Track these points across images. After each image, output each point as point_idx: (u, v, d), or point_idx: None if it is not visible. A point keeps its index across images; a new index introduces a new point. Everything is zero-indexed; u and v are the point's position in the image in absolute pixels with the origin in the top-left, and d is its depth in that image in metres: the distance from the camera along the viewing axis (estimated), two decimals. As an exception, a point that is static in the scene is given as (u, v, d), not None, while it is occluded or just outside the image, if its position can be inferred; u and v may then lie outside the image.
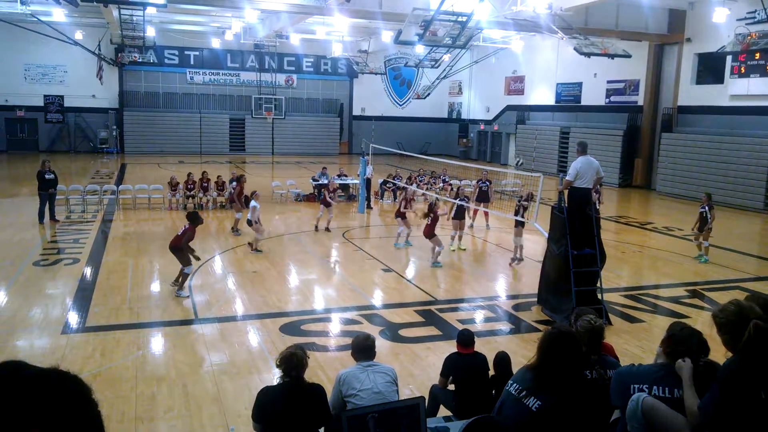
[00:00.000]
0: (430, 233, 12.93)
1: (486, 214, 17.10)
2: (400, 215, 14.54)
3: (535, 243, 14.38)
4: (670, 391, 3.21)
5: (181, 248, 10.51)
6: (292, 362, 4.43)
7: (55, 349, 8.07)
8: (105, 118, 37.54)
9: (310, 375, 4.61)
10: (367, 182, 20.08)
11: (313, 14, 24.23)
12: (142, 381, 7.15)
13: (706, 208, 13.87)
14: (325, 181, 21.98)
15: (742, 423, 2.77)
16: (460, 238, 14.50)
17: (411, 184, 22.26)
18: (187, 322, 9.33)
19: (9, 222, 16.39)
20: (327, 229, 16.17)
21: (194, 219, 10.76)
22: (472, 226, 16.86)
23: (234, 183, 16.93)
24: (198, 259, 10.97)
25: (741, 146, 22.56)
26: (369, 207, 20.18)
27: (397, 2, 22.45)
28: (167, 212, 18.96)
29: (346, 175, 23.01)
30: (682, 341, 3.37)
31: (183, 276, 10.55)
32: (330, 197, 16.21)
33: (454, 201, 14.37)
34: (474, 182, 19.17)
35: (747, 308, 3.04)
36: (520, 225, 12.96)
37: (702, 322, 9.11)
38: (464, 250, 14.56)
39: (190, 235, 10.62)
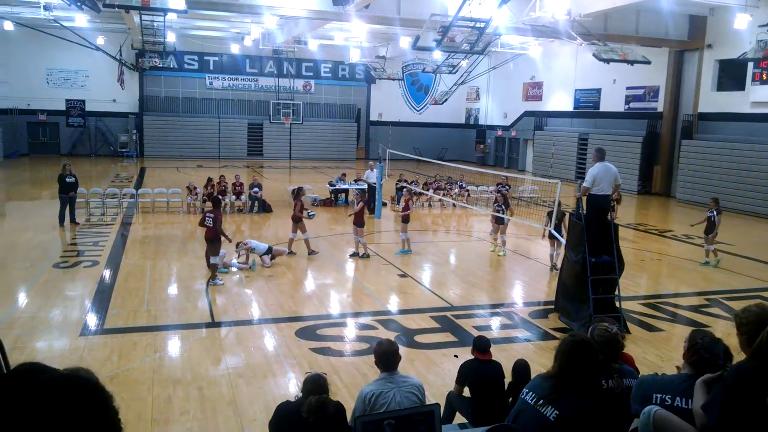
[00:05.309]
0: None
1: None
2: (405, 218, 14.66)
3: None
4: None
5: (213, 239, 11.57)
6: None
7: (73, 351, 8.16)
8: (125, 122, 37.98)
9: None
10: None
11: (331, 20, 24.33)
12: (159, 383, 7.19)
13: (715, 212, 14.03)
14: (343, 186, 22.08)
15: (744, 427, 2.72)
16: (495, 240, 15.08)
17: (428, 190, 22.27)
18: (203, 326, 9.39)
19: (30, 224, 16.60)
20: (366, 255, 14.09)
21: (216, 203, 12.18)
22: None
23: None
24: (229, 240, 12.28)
25: (761, 153, 22.25)
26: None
27: (415, 8, 22.47)
28: (186, 216, 19.10)
29: (363, 180, 23.01)
30: (706, 349, 3.30)
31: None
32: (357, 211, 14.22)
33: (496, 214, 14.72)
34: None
35: None
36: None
37: (721, 331, 8.97)
38: (503, 255, 14.63)
39: (220, 220, 11.73)
